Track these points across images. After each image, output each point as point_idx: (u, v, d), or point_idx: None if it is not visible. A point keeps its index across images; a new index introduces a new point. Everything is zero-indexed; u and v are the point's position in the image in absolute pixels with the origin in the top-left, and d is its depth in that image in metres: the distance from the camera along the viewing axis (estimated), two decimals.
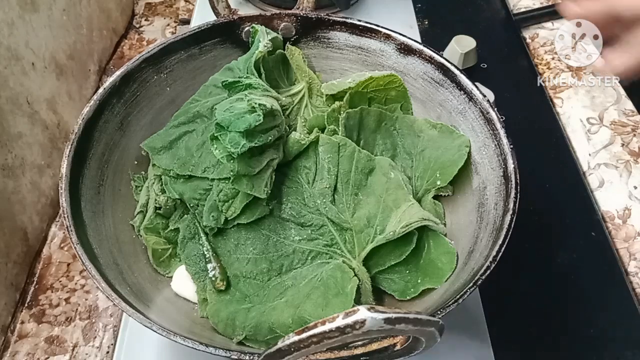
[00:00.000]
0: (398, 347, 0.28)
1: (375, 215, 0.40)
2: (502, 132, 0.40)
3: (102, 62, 0.71)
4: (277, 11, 0.48)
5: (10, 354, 0.48)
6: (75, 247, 0.35)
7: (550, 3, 0.79)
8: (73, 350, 0.48)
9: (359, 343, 0.30)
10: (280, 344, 0.24)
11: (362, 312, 0.21)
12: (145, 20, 0.79)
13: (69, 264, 0.54)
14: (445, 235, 0.42)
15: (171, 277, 0.43)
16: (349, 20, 0.48)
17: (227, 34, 0.48)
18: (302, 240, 0.41)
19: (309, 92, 0.48)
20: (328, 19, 0.48)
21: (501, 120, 0.41)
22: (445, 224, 0.44)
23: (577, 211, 0.57)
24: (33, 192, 0.53)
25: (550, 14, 0.76)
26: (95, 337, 0.49)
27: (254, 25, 0.47)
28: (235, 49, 0.49)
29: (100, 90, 0.42)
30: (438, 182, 0.43)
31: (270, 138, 0.39)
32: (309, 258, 0.41)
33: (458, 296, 0.33)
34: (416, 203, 0.41)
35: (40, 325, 0.50)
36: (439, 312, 0.32)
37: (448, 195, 0.45)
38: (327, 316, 0.22)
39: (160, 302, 0.40)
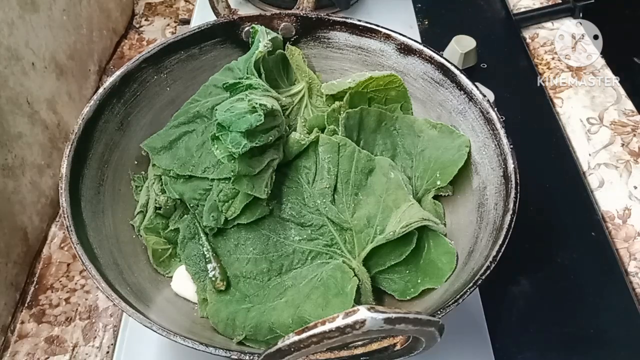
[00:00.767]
0: (398, 347, 0.29)
1: (375, 215, 0.40)
2: (502, 132, 0.40)
3: (102, 62, 0.71)
4: (277, 11, 0.48)
5: (10, 354, 0.48)
6: (75, 247, 0.35)
7: (550, 3, 0.79)
8: (73, 350, 0.48)
9: (359, 343, 0.30)
10: (280, 344, 0.24)
11: (362, 312, 0.21)
12: (145, 20, 0.79)
13: (69, 264, 0.54)
14: (445, 235, 0.42)
15: (171, 277, 0.43)
16: (349, 20, 0.48)
17: (227, 34, 0.48)
18: (302, 240, 0.41)
19: (309, 92, 0.48)
20: (328, 19, 0.48)
21: (501, 120, 0.41)
22: (445, 224, 0.44)
23: (577, 211, 0.57)
24: (33, 192, 0.53)
25: (550, 14, 0.76)
26: (95, 337, 0.49)
27: (254, 25, 0.47)
28: (235, 49, 0.49)
29: (100, 90, 0.42)
30: (438, 182, 0.43)
31: (270, 138, 0.39)
32: (309, 258, 0.41)
33: (458, 296, 0.33)
34: (416, 203, 0.41)
35: (40, 325, 0.50)
36: (439, 312, 0.32)
37: (448, 195, 0.45)
38: (327, 316, 0.22)
39: (160, 302, 0.40)
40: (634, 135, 0.63)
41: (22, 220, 0.51)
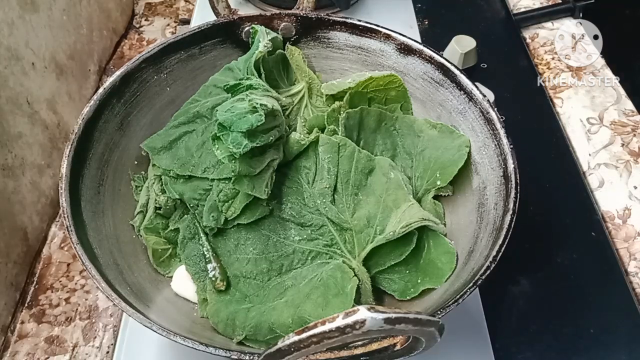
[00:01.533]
0: (398, 347, 0.29)
1: (375, 215, 0.40)
2: (502, 132, 0.40)
3: (102, 62, 0.71)
4: (277, 11, 0.48)
5: (10, 354, 0.48)
6: (75, 247, 0.35)
7: (550, 3, 0.79)
8: (73, 350, 0.48)
9: (359, 343, 0.30)
10: (280, 344, 0.24)
11: (362, 312, 0.21)
12: (145, 20, 0.79)
13: (69, 264, 0.54)
14: (445, 235, 0.42)
15: (171, 277, 0.43)
16: (349, 20, 0.48)
17: (227, 34, 0.48)
18: (302, 240, 0.41)
19: (309, 92, 0.48)
20: (328, 19, 0.48)
21: (501, 120, 0.41)
22: (445, 224, 0.44)
23: (577, 211, 0.57)
24: (33, 192, 0.53)
25: (550, 14, 0.76)
26: (95, 337, 0.49)
27: (254, 25, 0.47)
28: (235, 49, 0.49)
29: (100, 90, 0.42)
30: (438, 182, 0.43)
31: (271, 138, 0.39)
32: (309, 258, 0.41)
33: (458, 296, 0.33)
34: (416, 203, 0.41)
35: (40, 325, 0.50)
36: (439, 312, 0.32)
37: (448, 195, 0.45)
38: (327, 316, 0.22)
39: (160, 302, 0.40)
40: (634, 135, 0.63)
41: (22, 220, 0.51)
